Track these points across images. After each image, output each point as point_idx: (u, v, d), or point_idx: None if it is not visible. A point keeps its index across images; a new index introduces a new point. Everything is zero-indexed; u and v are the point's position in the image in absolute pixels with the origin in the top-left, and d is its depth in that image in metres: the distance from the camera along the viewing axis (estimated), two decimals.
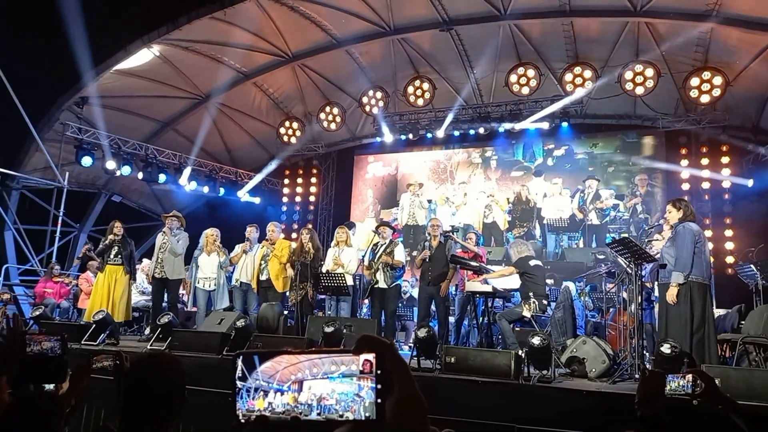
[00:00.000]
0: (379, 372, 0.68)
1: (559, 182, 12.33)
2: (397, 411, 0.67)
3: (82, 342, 6.60)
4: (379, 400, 0.68)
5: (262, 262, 8.00)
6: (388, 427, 0.68)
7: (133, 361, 2.28)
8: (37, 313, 7.59)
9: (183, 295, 9.90)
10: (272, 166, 14.12)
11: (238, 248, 8.30)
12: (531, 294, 6.54)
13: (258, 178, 14.17)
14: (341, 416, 0.68)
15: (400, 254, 7.64)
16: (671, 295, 5.28)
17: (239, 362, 0.72)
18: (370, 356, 0.69)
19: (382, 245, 7.70)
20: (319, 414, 0.69)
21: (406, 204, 13.41)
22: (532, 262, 6.81)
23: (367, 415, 0.67)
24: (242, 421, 0.72)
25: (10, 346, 2.46)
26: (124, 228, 8.35)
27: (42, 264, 12.10)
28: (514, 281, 6.88)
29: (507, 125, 11.79)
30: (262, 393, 0.70)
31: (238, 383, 0.71)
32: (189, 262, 8.69)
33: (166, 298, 8.12)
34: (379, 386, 0.68)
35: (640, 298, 5.61)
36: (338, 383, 0.69)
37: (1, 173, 11.59)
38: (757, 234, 9.55)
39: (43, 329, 7.04)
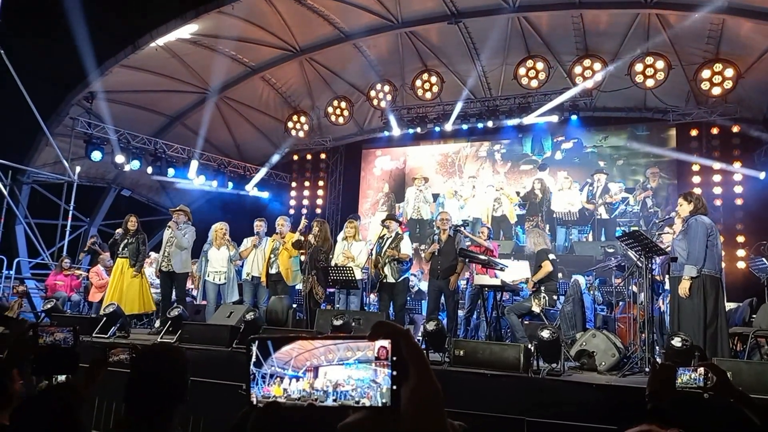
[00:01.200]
0: (394, 359, 0.67)
1: (569, 176, 12.26)
2: (412, 399, 0.67)
3: (94, 335, 6.66)
4: (394, 387, 0.67)
5: (272, 255, 8.02)
6: (403, 415, 0.67)
7: (137, 352, 2.31)
8: (49, 306, 7.65)
9: (191, 289, 9.97)
10: (275, 158, 14.10)
11: (247, 242, 8.33)
12: (543, 288, 6.53)
13: (262, 171, 14.16)
14: (357, 402, 0.68)
15: (407, 247, 7.63)
16: (684, 288, 5.25)
17: (254, 348, 0.71)
18: (386, 342, 0.68)
19: (388, 238, 7.69)
20: (335, 400, 0.68)
21: (411, 198, 13.44)
22: (551, 256, 6.81)
23: (383, 401, 0.67)
24: (256, 404, 0.72)
25: (19, 339, 2.48)
26: (138, 222, 8.44)
27: (53, 258, 12.20)
28: (524, 271, 6.87)
29: (515, 119, 11.74)
30: (278, 379, 0.70)
31: (253, 369, 0.71)
32: (196, 255, 8.74)
33: (174, 292, 8.17)
34: (394, 373, 0.67)
35: (650, 291, 5.58)
36: (354, 369, 0.68)
37: (11, 168, 11.68)
38: None
39: (55, 322, 7.12)
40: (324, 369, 0.70)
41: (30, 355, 2.38)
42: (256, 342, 0.72)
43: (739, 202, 10.74)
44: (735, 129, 10.83)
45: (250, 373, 0.72)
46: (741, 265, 10.07)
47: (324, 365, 0.70)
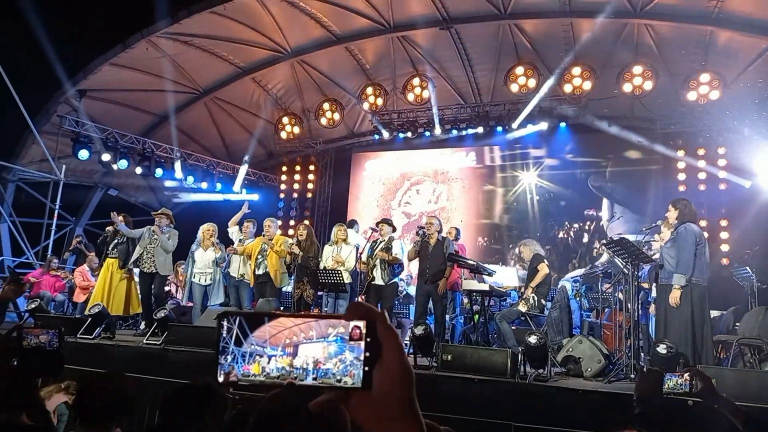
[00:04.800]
0: (368, 340, 0.67)
1: (555, 182, 12.34)
2: (384, 380, 0.67)
3: (78, 336, 6.59)
4: (366, 368, 0.67)
5: (259, 256, 7.98)
6: (374, 397, 0.68)
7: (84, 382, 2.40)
8: (33, 306, 7.56)
9: (177, 290, 9.91)
10: (247, 157, 14.01)
11: (236, 239, 8.32)
12: (535, 288, 6.59)
13: (243, 170, 14.03)
14: (339, 381, 0.67)
15: (398, 251, 7.64)
16: (674, 297, 5.26)
17: (226, 324, 0.70)
18: (360, 323, 0.68)
19: (380, 242, 7.70)
20: (315, 378, 0.67)
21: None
22: (546, 261, 6.87)
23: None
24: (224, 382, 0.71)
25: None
26: (131, 223, 8.38)
27: (38, 257, 12.06)
28: (513, 278, 6.91)
29: (505, 125, 11.81)
30: (257, 357, 0.69)
31: (234, 347, 0.70)
32: (181, 257, 8.70)
33: (153, 290, 8.07)
34: (367, 354, 0.67)
35: (636, 298, 5.63)
36: (335, 346, 0.68)
37: None
38: (752, 236, 9.58)
39: (39, 322, 7.03)
40: (304, 347, 0.68)
41: (12, 358, 2.36)
42: (234, 319, 0.71)
43: (723, 210, 10.86)
44: (721, 139, 10.95)
45: (222, 349, 0.70)
46: (724, 273, 10.17)
47: (304, 343, 0.69)
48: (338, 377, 0.67)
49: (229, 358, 0.70)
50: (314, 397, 0.69)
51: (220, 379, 0.70)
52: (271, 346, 0.69)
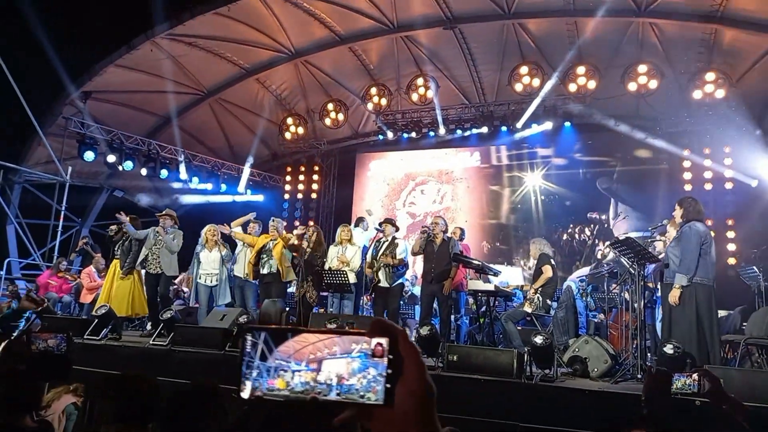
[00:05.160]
0: (390, 357, 0.68)
1: (559, 183, 12.31)
2: (407, 398, 0.67)
3: (85, 337, 6.60)
4: (388, 385, 0.67)
5: (264, 255, 7.98)
6: (396, 414, 0.68)
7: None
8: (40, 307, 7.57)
9: (186, 291, 9.94)
10: (250, 159, 14.02)
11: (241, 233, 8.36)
12: (539, 289, 6.57)
13: (246, 170, 14.04)
14: (362, 396, 0.67)
15: (402, 253, 7.64)
16: (674, 297, 5.25)
17: (260, 341, 0.71)
18: (383, 340, 0.68)
19: (384, 242, 7.69)
20: (338, 394, 0.68)
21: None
22: (552, 262, 6.85)
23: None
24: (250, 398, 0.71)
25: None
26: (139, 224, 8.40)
27: (44, 258, 12.11)
28: (518, 278, 6.89)
29: (510, 124, 11.79)
30: (281, 372, 0.70)
31: (259, 362, 0.70)
32: (187, 259, 8.73)
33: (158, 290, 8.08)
34: (389, 371, 0.67)
35: (643, 298, 5.60)
36: (358, 362, 0.68)
37: (3, 167, 11.59)
38: (759, 235, 9.54)
39: (46, 323, 7.05)
40: (328, 362, 0.69)
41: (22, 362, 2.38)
42: (259, 334, 0.71)
43: (729, 209, 10.82)
44: (726, 138, 10.90)
45: (246, 363, 0.71)
46: (731, 273, 10.13)
47: (327, 358, 0.69)
48: (361, 393, 0.68)
49: (254, 372, 0.71)
50: (334, 413, 0.69)
51: (245, 393, 0.71)
52: (296, 361, 0.70)
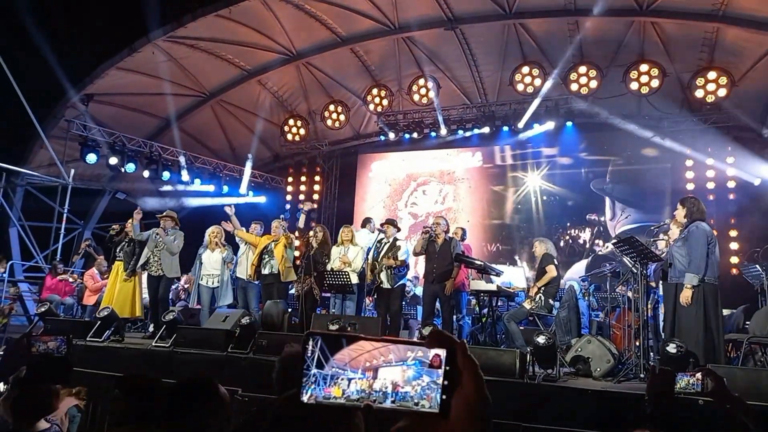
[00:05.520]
0: (447, 368, 0.68)
1: (560, 183, 12.30)
2: (465, 409, 0.68)
3: (87, 339, 6.62)
4: (444, 397, 0.68)
5: (266, 256, 7.99)
6: (453, 425, 0.68)
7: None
8: (42, 309, 7.60)
9: (185, 288, 9.95)
10: (250, 159, 14.01)
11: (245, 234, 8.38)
12: (542, 289, 6.57)
13: (247, 172, 14.05)
14: (416, 404, 0.68)
15: (403, 254, 7.64)
16: (686, 297, 5.20)
17: (310, 346, 0.72)
18: (441, 351, 0.69)
19: (385, 243, 7.69)
20: (393, 402, 0.69)
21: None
22: (555, 262, 6.85)
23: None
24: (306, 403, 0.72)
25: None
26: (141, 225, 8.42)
27: (47, 261, 12.13)
28: (521, 279, 6.89)
29: (511, 124, 11.79)
30: (337, 380, 0.70)
31: (315, 370, 0.71)
32: (190, 260, 8.73)
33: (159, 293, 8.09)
34: (446, 382, 0.68)
35: (645, 297, 5.59)
36: (413, 370, 0.69)
37: (6, 170, 11.62)
38: (762, 234, 9.51)
39: (48, 326, 7.08)
40: (383, 370, 0.70)
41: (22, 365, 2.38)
42: (318, 340, 0.72)
43: (732, 207, 10.80)
44: (729, 137, 10.90)
45: (306, 370, 0.71)
46: (734, 271, 10.11)
47: (383, 366, 0.70)
48: (416, 400, 0.68)
49: (312, 379, 0.71)
50: (392, 420, 0.70)
51: (305, 399, 0.72)
52: (352, 369, 0.71)
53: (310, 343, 0.72)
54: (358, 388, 0.70)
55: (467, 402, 0.68)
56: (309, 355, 0.72)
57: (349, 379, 0.70)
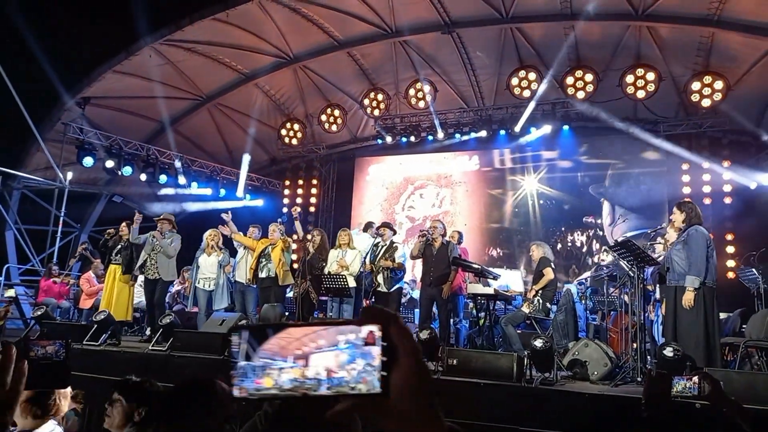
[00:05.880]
0: (384, 344, 0.66)
1: (557, 187, 12.32)
2: (403, 385, 0.65)
3: (84, 342, 6.59)
4: (384, 373, 0.65)
5: (263, 259, 7.98)
6: (393, 402, 0.65)
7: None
8: (39, 313, 7.58)
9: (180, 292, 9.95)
10: (246, 161, 13.97)
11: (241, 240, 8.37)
12: (539, 292, 6.58)
13: (243, 176, 14.02)
14: (353, 388, 0.66)
15: (401, 257, 7.65)
16: (688, 300, 5.21)
17: (243, 341, 0.70)
18: (375, 327, 0.66)
19: (382, 246, 7.69)
20: (328, 388, 0.66)
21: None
22: (552, 265, 6.87)
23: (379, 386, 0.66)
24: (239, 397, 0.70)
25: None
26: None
27: (43, 264, 12.09)
28: (519, 282, 6.90)
29: (508, 128, 11.81)
30: (268, 370, 0.67)
31: (243, 362, 0.69)
32: (188, 263, 8.72)
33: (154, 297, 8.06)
34: (384, 358, 0.65)
35: (642, 301, 5.60)
36: (347, 354, 0.66)
37: (2, 173, 11.59)
38: (758, 237, 9.54)
39: (45, 329, 7.05)
40: (315, 356, 0.67)
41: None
42: (243, 333, 0.70)
43: (728, 211, 10.83)
44: (725, 140, 10.95)
45: (234, 364, 0.69)
46: (730, 275, 10.14)
47: (315, 352, 0.67)
48: (352, 384, 0.66)
49: (240, 372, 0.69)
50: (329, 407, 0.67)
51: (236, 393, 0.69)
52: (282, 358, 0.68)
53: (235, 337, 0.69)
54: (291, 377, 0.67)
55: (406, 377, 0.65)
56: (236, 349, 0.69)
57: (280, 369, 0.67)
